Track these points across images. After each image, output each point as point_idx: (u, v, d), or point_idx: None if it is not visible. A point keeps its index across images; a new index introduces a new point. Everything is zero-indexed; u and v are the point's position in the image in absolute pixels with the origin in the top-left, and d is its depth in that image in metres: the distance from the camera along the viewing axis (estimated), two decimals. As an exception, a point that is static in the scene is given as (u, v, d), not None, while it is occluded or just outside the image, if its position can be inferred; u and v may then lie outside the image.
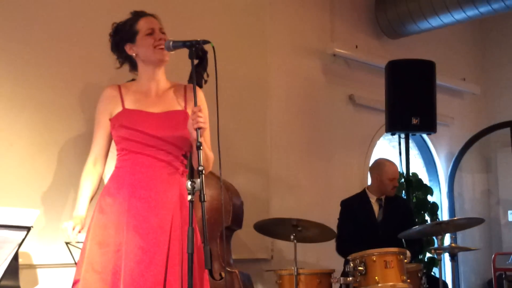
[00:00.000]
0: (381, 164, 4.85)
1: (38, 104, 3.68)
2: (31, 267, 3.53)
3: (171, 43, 2.65)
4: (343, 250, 4.52)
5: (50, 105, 3.72)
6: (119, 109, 2.73)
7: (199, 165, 2.41)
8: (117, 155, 2.73)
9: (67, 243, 3.19)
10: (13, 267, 3.09)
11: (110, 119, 2.74)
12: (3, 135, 3.52)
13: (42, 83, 3.70)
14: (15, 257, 2.86)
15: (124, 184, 2.63)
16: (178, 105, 2.76)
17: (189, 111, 2.73)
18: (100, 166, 2.78)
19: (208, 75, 2.71)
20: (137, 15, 2.82)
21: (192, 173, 3.08)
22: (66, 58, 3.82)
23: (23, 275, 3.31)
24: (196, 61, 2.80)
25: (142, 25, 2.77)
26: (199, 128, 2.47)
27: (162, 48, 2.71)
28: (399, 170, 4.99)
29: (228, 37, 4.80)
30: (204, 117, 2.52)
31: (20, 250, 2.75)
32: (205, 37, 2.59)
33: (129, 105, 2.74)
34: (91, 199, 2.77)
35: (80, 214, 2.69)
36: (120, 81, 3.63)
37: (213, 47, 2.53)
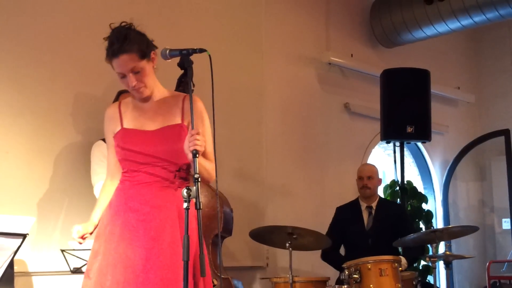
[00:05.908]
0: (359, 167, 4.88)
1: (34, 112, 3.68)
2: (26, 274, 3.53)
3: (167, 51, 2.65)
4: (326, 256, 4.58)
5: (46, 113, 3.73)
6: (118, 128, 2.74)
7: (195, 173, 2.41)
8: (121, 171, 2.77)
9: (62, 251, 3.20)
10: (8, 274, 3.08)
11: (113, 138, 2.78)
12: (-1, 143, 3.53)
13: (38, 91, 3.71)
14: (11, 264, 2.85)
15: (121, 198, 2.67)
16: (174, 118, 2.75)
17: (186, 123, 2.73)
18: (117, 180, 2.79)
19: (194, 85, 2.70)
20: (108, 54, 2.66)
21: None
22: (61, 66, 3.83)
23: (18, 282, 3.31)
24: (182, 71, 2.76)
25: (114, 66, 2.66)
26: (196, 150, 2.47)
27: (139, 91, 2.67)
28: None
29: (224, 45, 4.82)
30: (202, 140, 2.50)
31: (15, 257, 2.75)
32: (201, 46, 2.60)
33: (127, 123, 2.74)
34: None
35: (92, 221, 2.73)
36: (114, 91, 3.66)
37: (209, 56, 2.53)
